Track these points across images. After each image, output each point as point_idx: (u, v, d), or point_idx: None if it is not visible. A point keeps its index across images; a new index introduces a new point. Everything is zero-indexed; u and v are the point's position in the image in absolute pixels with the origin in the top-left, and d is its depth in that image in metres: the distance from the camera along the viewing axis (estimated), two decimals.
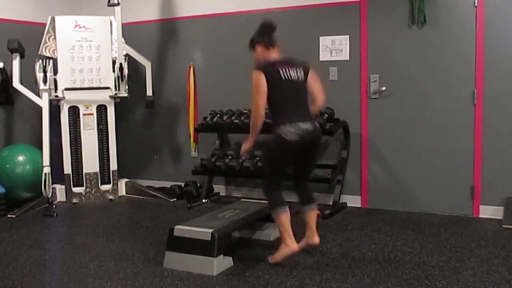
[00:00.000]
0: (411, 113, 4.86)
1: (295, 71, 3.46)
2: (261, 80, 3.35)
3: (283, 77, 3.41)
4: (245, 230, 4.05)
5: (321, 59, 5.18)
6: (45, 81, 5.32)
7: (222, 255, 3.37)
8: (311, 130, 3.41)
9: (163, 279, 3.25)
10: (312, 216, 3.65)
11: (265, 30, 3.58)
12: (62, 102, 5.48)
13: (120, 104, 5.87)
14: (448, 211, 4.76)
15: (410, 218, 4.65)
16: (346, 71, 5.08)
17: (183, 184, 5.77)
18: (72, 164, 5.56)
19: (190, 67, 5.87)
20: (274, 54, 3.54)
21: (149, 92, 5.74)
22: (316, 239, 3.62)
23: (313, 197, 3.71)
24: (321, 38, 5.16)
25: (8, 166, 5.23)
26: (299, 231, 3.60)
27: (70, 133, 5.54)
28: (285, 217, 3.42)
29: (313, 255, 3.66)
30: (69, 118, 5.53)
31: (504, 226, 4.27)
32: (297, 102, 3.48)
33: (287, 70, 3.43)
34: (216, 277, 3.26)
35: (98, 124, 5.66)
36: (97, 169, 5.65)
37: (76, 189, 5.58)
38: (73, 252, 3.84)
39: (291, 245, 3.41)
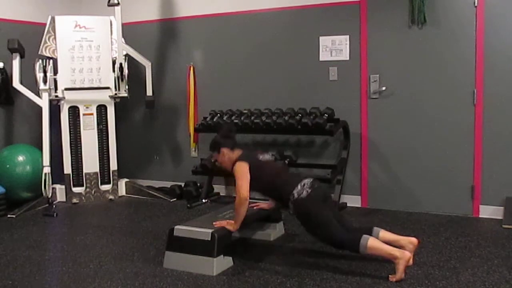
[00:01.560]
0: (411, 113, 4.86)
1: (264, 154, 3.75)
2: (246, 169, 3.44)
3: (263, 160, 3.63)
4: (245, 230, 4.04)
5: (321, 59, 5.18)
6: (45, 81, 5.32)
7: (222, 255, 3.37)
8: (313, 181, 3.48)
9: (163, 279, 3.25)
10: (387, 233, 3.43)
11: (228, 133, 3.71)
12: (62, 102, 5.48)
13: (120, 104, 5.87)
14: (448, 211, 4.76)
15: (410, 218, 4.65)
16: (346, 71, 5.08)
17: (183, 184, 5.77)
18: (72, 164, 5.56)
19: (190, 67, 5.87)
20: (237, 153, 3.61)
21: (149, 92, 5.74)
22: (414, 240, 3.34)
23: (367, 225, 3.82)
24: (321, 38, 5.16)
25: (8, 166, 5.23)
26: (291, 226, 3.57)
27: (70, 133, 5.54)
28: (373, 240, 3.22)
29: (313, 255, 3.65)
30: (69, 118, 5.53)
31: (504, 226, 4.27)
32: (287, 172, 3.78)
33: (259, 153, 3.72)
34: (216, 277, 3.26)
35: (98, 124, 5.66)
36: (97, 169, 5.65)
37: (76, 189, 5.58)
38: (73, 252, 3.84)
39: (403, 255, 3.13)
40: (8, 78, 5.49)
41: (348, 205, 5.12)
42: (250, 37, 5.53)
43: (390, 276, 3.17)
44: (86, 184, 5.61)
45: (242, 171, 3.43)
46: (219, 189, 5.82)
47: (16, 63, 5.32)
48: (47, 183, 5.12)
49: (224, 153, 3.59)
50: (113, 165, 5.76)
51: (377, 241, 3.22)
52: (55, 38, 5.50)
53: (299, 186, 3.40)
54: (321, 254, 3.67)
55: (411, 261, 3.17)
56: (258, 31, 5.49)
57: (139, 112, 6.26)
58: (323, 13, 5.14)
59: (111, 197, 5.69)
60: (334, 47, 5.12)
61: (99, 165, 5.67)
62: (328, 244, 3.40)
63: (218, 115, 5.44)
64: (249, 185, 3.43)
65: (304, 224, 3.42)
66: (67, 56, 5.47)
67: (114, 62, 5.62)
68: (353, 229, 3.48)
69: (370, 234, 3.33)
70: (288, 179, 3.54)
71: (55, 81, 5.44)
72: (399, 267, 3.12)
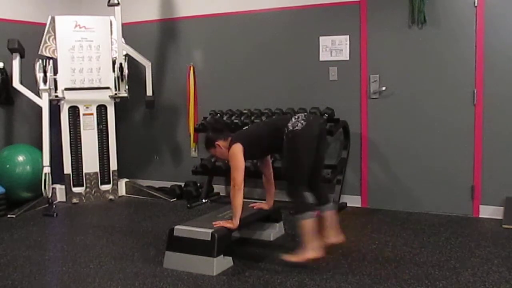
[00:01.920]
0: (411, 113, 4.86)
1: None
2: (238, 151, 3.44)
3: (250, 127, 3.78)
4: (245, 230, 4.05)
5: (321, 59, 5.18)
6: (45, 81, 5.32)
7: (222, 255, 3.37)
8: (307, 115, 3.53)
9: (163, 279, 3.25)
10: (332, 216, 3.67)
11: (218, 126, 3.82)
12: (62, 102, 5.48)
13: (120, 104, 5.87)
14: (448, 211, 4.76)
15: (410, 218, 4.65)
16: (346, 71, 5.08)
17: (183, 184, 5.77)
18: (72, 164, 5.56)
19: (190, 67, 5.87)
20: (229, 139, 3.64)
21: (149, 92, 5.74)
22: (341, 238, 3.65)
23: (329, 196, 3.78)
24: (321, 38, 5.16)
25: (8, 166, 5.23)
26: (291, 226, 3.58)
27: (70, 133, 5.54)
28: (312, 222, 3.36)
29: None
30: (69, 118, 5.53)
31: (504, 226, 4.27)
32: (276, 119, 3.86)
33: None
34: (216, 277, 3.26)
35: (98, 124, 5.66)
36: (97, 169, 5.65)
37: (76, 189, 5.58)
38: (73, 252, 3.84)
39: (315, 252, 3.35)
40: (8, 78, 5.49)
41: (348, 205, 5.12)
42: (250, 37, 5.53)
43: (285, 255, 3.40)
44: (86, 184, 5.61)
45: (236, 157, 3.43)
46: (219, 189, 5.82)
47: (16, 63, 5.32)
48: (47, 183, 5.13)
49: (220, 145, 3.60)
50: (113, 165, 5.76)
51: (314, 226, 3.37)
52: (55, 38, 5.50)
53: (293, 119, 3.44)
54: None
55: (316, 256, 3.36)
56: (258, 31, 5.49)
57: (139, 112, 6.26)
58: (323, 13, 5.14)
59: (111, 197, 5.69)
60: (334, 47, 5.12)
61: (99, 165, 5.67)
62: (287, 189, 3.47)
63: (218, 115, 5.44)
64: (250, 155, 3.51)
65: (284, 154, 3.46)
66: (67, 56, 5.47)
67: (114, 62, 5.62)
68: (314, 192, 3.62)
69: (323, 206, 3.62)
70: (278, 120, 3.65)
71: (55, 81, 5.43)
72: (304, 256, 3.35)
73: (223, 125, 3.77)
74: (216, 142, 3.60)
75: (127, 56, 5.64)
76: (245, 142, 3.48)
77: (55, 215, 4.98)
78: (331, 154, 5.21)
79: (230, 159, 3.48)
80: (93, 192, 5.64)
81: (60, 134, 5.53)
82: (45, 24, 5.58)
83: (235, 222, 3.45)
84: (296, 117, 3.45)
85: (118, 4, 5.45)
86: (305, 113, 3.55)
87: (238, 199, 3.42)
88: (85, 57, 5.53)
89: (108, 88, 5.59)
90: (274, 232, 4.09)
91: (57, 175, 5.49)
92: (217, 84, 5.77)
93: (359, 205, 5.14)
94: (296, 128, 3.39)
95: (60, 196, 5.58)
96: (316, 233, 3.40)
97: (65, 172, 5.53)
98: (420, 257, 3.57)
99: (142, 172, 6.33)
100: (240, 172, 3.41)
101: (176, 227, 3.47)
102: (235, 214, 3.45)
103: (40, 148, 5.30)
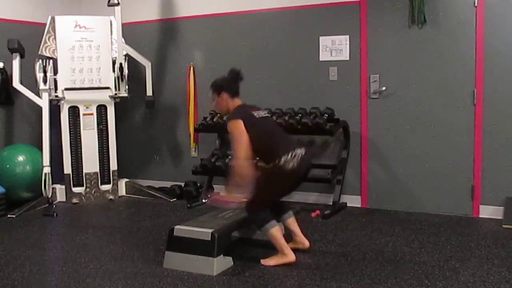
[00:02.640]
0: (411, 113, 4.86)
1: (260, 111, 3.62)
2: (241, 128, 3.36)
3: (257, 116, 3.52)
4: (245, 230, 4.04)
5: (321, 59, 5.18)
6: (45, 81, 5.32)
7: (222, 255, 3.37)
8: (305, 154, 3.43)
9: (163, 279, 3.25)
10: (294, 222, 3.69)
11: (234, 78, 3.62)
12: (62, 102, 5.48)
13: (120, 104, 5.87)
14: (448, 211, 4.76)
15: (410, 218, 4.65)
16: (346, 71, 5.08)
17: (183, 184, 5.77)
18: (72, 164, 5.55)
19: (190, 67, 5.87)
20: (236, 103, 3.59)
21: (149, 92, 5.74)
22: (306, 243, 3.67)
23: (287, 205, 3.77)
24: (321, 38, 5.16)
25: (8, 166, 5.23)
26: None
27: (70, 133, 5.54)
28: (277, 230, 3.43)
29: (313, 255, 3.65)
30: (69, 118, 5.53)
31: (504, 226, 4.27)
32: (281, 133, 3.61)
33: (255, 110, 3.57)
34: (216, 277, 3.26)
35: (98, 124, 5.66)
36: (97, 169, 5.65)
37: (76, 189, 5.58)
38: (73, 252, 3.84)
39: (289, 256, 3.42)
40: (8, 78, 5.49)
41: (348, 205, 5.12)
42: (250, 37, 5.53)
43: (262, 260, 3.44)
44: (86, 184, 5.61)
45: (239, 133, 3.34)
46: (219, 189, 5.81)
47: (16, 63, 5.32)
48: (47, 183, 5.12)
49: (224, 98, 3.54)
50: (113, 165, 5.76)
51: (279, 233, 3.43)
52: (55, 38, 5.50)
53: (289, 155, 3.34)
54: (321, 254, 3.67)
55: (294, 260, 3.41)
56: (258, 31, 5.49)
57: (139, 112, 6.26)
58: (323, 13, 5.14)
59: (111, 197, 5.69)
60: (334, 47, 5.12)
61: (99, 165, 5.67)
62: (245, 207, 3.45)
63: (218, 115, 5.44)
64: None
65: (257, 186, 3.38)
66: (67, 56, 5.47)
67: (114, 62, 5.62)
68: (272, 206, 3.56)
69: (283, 214, 3.63)
70: (280, 142, 3.47)
71: (55, 81, 5.43)
72: (278, 260, 3.41)
73: (239, 83, 3.62)
74: (223, 93, 3.53)
75: (127, 56, 5.64)
76: (244, 126, 3.36)
77: (55, 215, 4.97)
78: (331, 154, 5.21)
79: (231, 134, 3.38)
80: (93, 192, 5.64)
81: (60, 134, 5.53)
82: (45, 24, 5.58)
83: (233, 192, 3.46)
84: (294, 154, 3.34)
85: (118, 4, 5.46)
86: (304, 150, 3.41)
87: (245, 170, 3.32)
88: (85, 57, 5.53)
89: (108, 88, 5.59)
90: None
91: (57, 175, 5.49)
92: None
93: (359, 205, 5.14)
94: (287, 167, 3.32)
95: (60, 196, 5.58)
96: (284, 239, 3.48)
97: (65, 172, 5.53)
98: (420, 257, 3.57)
99: (142, 172, 6.33)
100: (244, 146, 3.32)
101: (176, 227, 3.47)
102: (236, 184, 3.37)
103: (40, 148, 5.30)
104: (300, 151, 3.40)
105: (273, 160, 3.35)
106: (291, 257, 3.43)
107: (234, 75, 3.62)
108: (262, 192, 3.42)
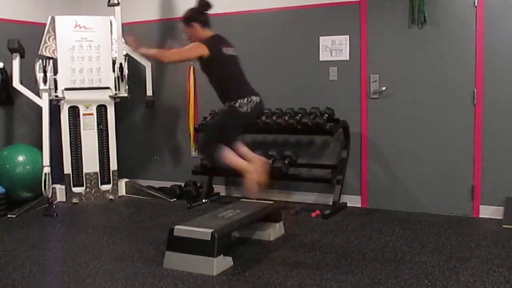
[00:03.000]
0: (411, 113, 4.86)
1: (230, 47, 3.72)
2: (198, 51, 3.52)
3: (226, 54, 3.65)
4: (245, 230, 4.05)
5: (321, 59, 5.18)
6: (45, 81, 5.32)
7: (222, 255, 3.37)
8: (259, 102, 3.64)
9: (163, 279, 3.25)
10: (241, 146, 3.74)
11: (204, 8, 3.72)
12: (62, 102, 5.48)
13: (120, 104, 5.87)
14: (448, 211, 4.76)
15: (410, 218, 4.65)
16: (346, 71, 5.08)
17: (183, 184, 5.77)
18: (72, 164, 5.55)
19: (190, 67, 5.86)
20: (207, 33, 3.69)
21: (149, 92, 5.74)
22: (262, 158, 3.76)
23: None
24: (321, 38, 5.16)
25: (8, 166, 5.23)
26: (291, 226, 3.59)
27: (70, 133, 5.54)
28: (230, 151, 3.54)
29: (313, 255, 3.66)
30: (69, 118, 5.53)
31: (504, 226, 4.27)
32: (243, 76, 3.75)
33: (226, 46, 3.68)
34: (216, 277, 3.26)
35: (98, 124, 5.66)
36: (97, 169, 5.65)
37: (76, 189, 5.58)
38: (73, 252, 3.84)
39: (250, 168, 3.51)
40: (8, 78, 5.49)
41: (348, 205, 5.12)
42: (250, 37, 5.53)
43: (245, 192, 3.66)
44: (86, 184, 5.61)
45: (193, 49, 3.54)
46: (219, 189, 5.82)
47: (16, 63, 5.32)
48: (47, 183, 5.12)
49: (195, 28, 3.65)
50: (113, 165, 5.76)
51: (232, 153, 3.54)
52: (55, 38, 5.50)
53: (245, 100, 3.55)
54: (321, 254, 3.67)
55: (262, 179, 3.51)
56: (258, 31, 5.48)
57: (139, 112, 6.26)
58: (323, 13, 5.14)
59: (111, 197, 5.69)
60: (334, 47, 5.12)
61: (99, 165, 5.67)
62: (202, 145, 3.74)
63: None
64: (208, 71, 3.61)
65: (214, 120, 3.62)
66: (67, 56, 5.47)
67: (114, 62, 5.62)
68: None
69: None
70: (239, 85, 3.65)
71: (55, 81, 5.43)
72: (248, 182, 3.49)
73: (208, 18, 3.74)
74: (193, 23, 3.65)
75: (127, 56, 5.64)
76: (211, 58, 3.53)
77: (55, 215, 4.97)
78: (331, 154, 5.21)
79: (191, 45, 3.55)
80: (93, 192, 5.64)
81: (60, 134, 5.53)
82: (45, 24, 5.58)
83: (144, 51, 3.66)
84: (249, 99, 3.56)
85: (118, 4, 5.46)
86: (258, 99, 3.63)
87: (167, 59, 3.65)
88: (85, 57, 5.53)
89: (108, 88, 5.59)
90: (274, 232, 4.08)
91: (57, 175, 5.48)
92: None
93: (359, 205, 5.14)
94: (241, 109, 3.52)
95: (60, 196, 5.58)
96: (239, 157, 3.59)
97: (65, 172, 5.53)
98: (420, 257, 3.57)
99: (142, 172, 6.33)
100: (184, 58, 3.57)
101: (176, 227, 3.47)
102: (148, 52, 3.70)
103: (40, 148, 5.30)
104: (256, 99, 3.61)
105: (230, 101, 3.56)
106: (254, 168, 3.52)
107: (202, 6, 3.71)
108: (218, 129, 3.69)
